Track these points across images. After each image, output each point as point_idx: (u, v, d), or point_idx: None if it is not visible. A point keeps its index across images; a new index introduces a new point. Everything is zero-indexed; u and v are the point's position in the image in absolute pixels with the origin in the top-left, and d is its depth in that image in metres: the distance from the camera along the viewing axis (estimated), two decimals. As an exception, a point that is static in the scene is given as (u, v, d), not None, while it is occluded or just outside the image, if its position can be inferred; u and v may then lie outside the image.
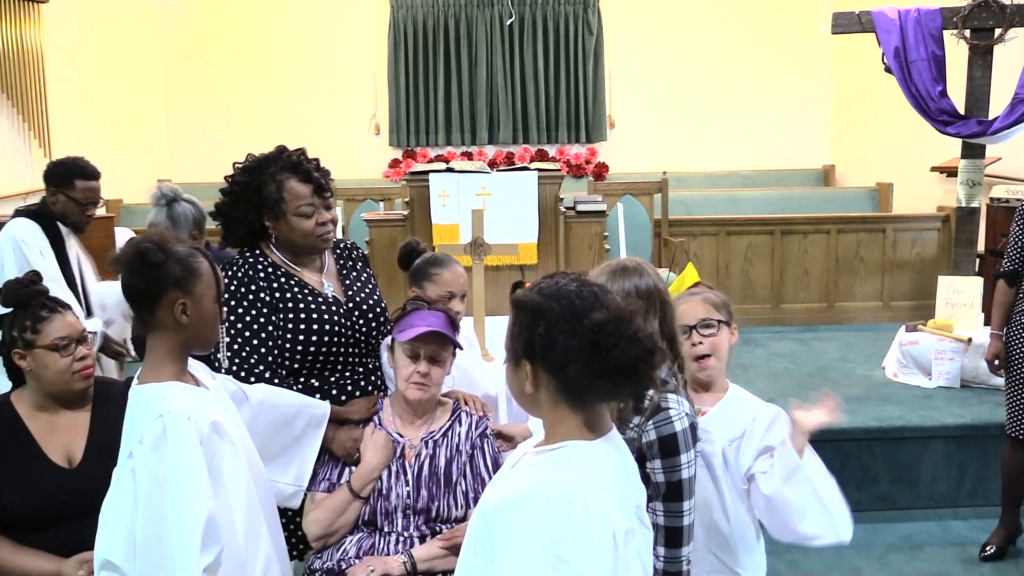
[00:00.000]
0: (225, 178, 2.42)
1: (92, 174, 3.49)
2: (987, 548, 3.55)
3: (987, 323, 4.44)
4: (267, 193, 2.33)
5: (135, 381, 1.86)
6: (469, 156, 8.28)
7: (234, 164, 2.42)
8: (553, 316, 1.45)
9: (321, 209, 2.36)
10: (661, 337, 1.96)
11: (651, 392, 1.90)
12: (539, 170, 4.65)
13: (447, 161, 7.08)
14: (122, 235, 4.81)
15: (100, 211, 4.07)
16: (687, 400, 1.98)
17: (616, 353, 1.41)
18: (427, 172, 4.68)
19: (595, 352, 1.41)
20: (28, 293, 2.25)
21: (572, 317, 1.44)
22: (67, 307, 2.30)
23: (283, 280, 2.37)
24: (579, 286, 1.49)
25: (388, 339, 2.44)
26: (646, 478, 1.90)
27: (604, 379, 1.42)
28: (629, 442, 1.88)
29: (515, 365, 1.51)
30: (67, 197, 3.44)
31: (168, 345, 1.84)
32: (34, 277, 2.31)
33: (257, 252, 2.40)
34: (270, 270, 2.36)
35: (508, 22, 8.23)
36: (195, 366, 1.96)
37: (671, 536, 1.90)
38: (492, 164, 7.82)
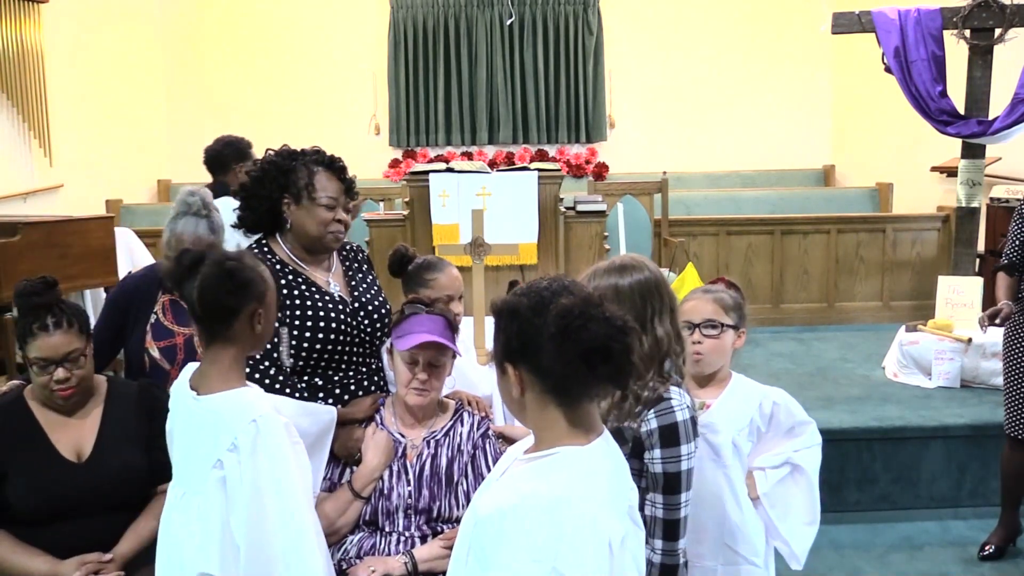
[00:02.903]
0: (254, 161, 2.44)
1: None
2: (986, 548, 3.55)
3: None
4: (295, 178, 2.36)
5: (194, 393, 1.85)
6: (469, 156, 8.28)
7: (267, 150, 2.45)
8: (523, 310, 1.46)
9: (341, 209, 2.39)
10: (672, 332, 1.97)
11: (650, 383, 1.90)
12: (539, 170, 4.65)
13: (447, 161, 7.08)
14: (122, 235, 4.80)
15: (100, 211, 4.09)
16: (689, 395, 1.98)
17: (584, 335, 1.40)
18: (427, 172, 4.68)
19: (564, 336, 1.41)
20: (29, 303, 2.25)
21: (540, 307, 1.45)
22: (71, 323, 2.26)
23: (291, 277, 2.37)
24: (551, 281, 1.51)
25: (388, 341, 2.44)
26: (643, 469, 1.90)
27: (578, 362, 1.41)
28: (628, 430, 1.88)
29: (501, 372, 1.52)
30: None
31: (234, 354, 1.87)
32: (41, 286, 2.28)
33: (265, 248, 2.40)
34: (278, 267, 2.37)
35: (508, 22, 8.23)
36: None
37: (668, 529, 1.89)
38: (492, 164, 7.82)
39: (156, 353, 2.77)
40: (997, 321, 3.37)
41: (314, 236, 2.38)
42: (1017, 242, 3.43)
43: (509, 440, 2.41)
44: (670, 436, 1.87)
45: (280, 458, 1.76)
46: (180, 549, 1.80)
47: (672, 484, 1.88)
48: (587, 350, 1.40)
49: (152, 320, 2.81)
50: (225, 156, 4.09)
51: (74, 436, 2.29)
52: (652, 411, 1.88)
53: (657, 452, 1.88)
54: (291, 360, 2.27)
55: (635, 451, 1.90)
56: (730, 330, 2.34)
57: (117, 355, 2.94)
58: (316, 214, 2.36)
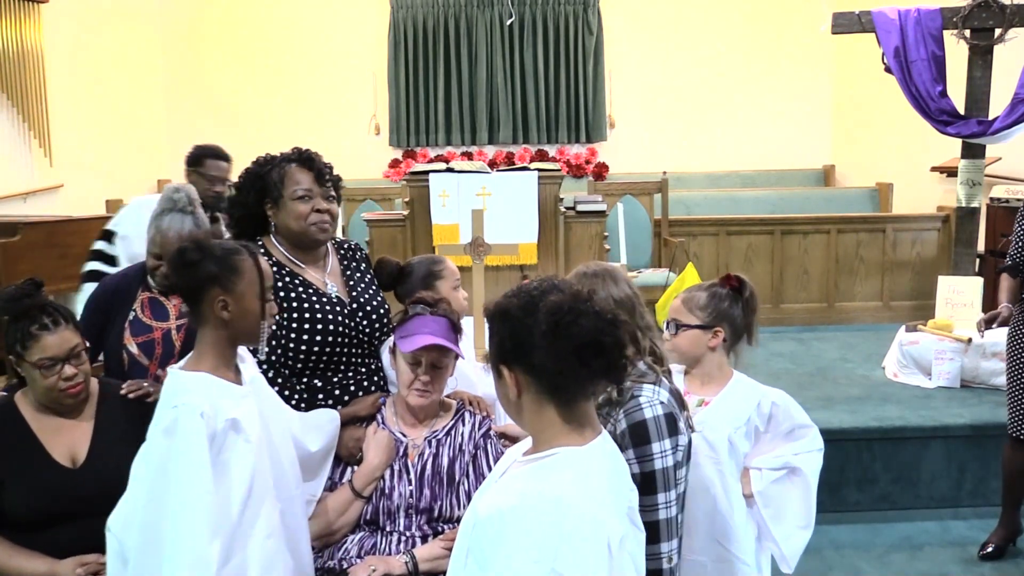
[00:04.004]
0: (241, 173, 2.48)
1: (225, 155, 3.93)
2: (986, 548, 3.55)
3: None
4: (270, 180, 2.38)
5: (179, 364, 1.93)
6: (469, 156, 8.28)
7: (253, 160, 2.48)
8: (514, 311, 1.48)
9: (319, 199, 2.39)
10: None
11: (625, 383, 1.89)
12: (539, 170, 4.65)
13: (447, 161, 7.08)
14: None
15: (100, 211, 4.09)
16: (666, 391, 1.94)
17: (575, 330, 1.42)
18: (427, 172, 4.68)
19: (556, 332, 1.43)
20: (21, 306, 2.23)
21: (530, 306, 1.47)
22: (67, 320, 2.26)
23: (287, 279, 2.37)
24: (540, 282, 1.53)
25: (390, 341, 2.44)
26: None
27: (571, 358, 1.42)
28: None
29: (498, 375, 1.52)
30: (199, 175, 3.82)
31: (212, 338, 1.92)
32: (31, 287, 2.27)
33: (261, 249, 2.40)
34: (274, 268, 2.35)
35: (508, 22, 8.23)
36: (244, 357, 2.04)
37: (648, 531, 1.82)
38: (492, 164, 7.82)
39: (134, 349, 2.75)
40: (995, 325, 3.38)
41: (297, 232, 2.38)
42: (1021, 243, 3.42)
43: (511, 439, 2.41)
44: (640, 435, 1.84)
45: (189, 450, 1.77)
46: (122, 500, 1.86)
47: (647, 484, 1.81)
48: (579, 345, 1.42)
49: (130, 317, 2.80)
50: (188, 157, 4.10)
51: (68, 441, 2.27)
52: (622, 410, 1.87)
53: (630, 452, 1.83)
54: (264, 355, 2.23)
55: None
56: (693, 330, 2.32)
57: (99, 356, 2.93)
58: (292, 209, 2.36)
